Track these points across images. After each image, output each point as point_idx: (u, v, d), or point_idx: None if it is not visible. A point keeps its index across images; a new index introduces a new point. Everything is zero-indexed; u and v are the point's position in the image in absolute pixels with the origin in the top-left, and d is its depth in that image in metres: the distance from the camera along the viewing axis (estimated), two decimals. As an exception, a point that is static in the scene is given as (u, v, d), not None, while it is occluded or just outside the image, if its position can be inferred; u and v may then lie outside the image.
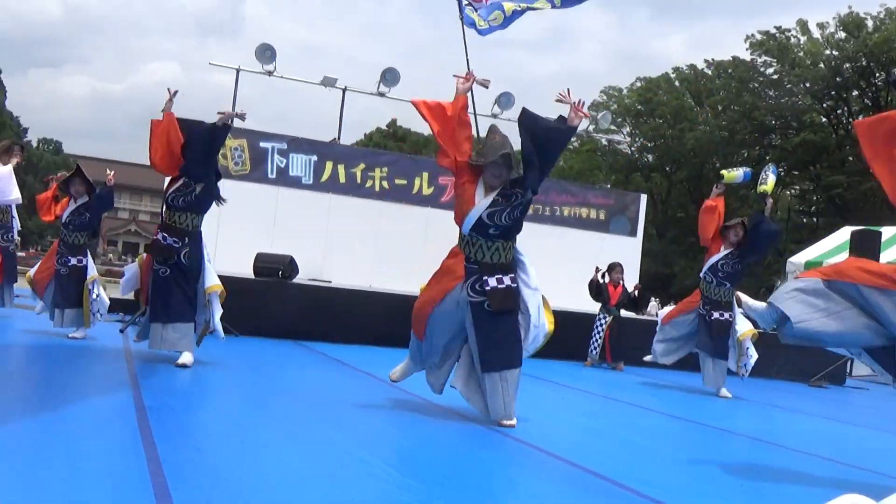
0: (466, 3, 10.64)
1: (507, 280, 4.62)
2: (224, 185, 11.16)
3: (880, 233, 12.18)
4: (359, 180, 12.41)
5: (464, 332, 4.74)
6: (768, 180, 8.23)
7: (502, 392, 4.58)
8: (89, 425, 3.73)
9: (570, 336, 10.01)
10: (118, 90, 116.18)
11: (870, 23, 33.61)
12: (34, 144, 55.27)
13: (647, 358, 8.66)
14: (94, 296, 6.97)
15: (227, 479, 3.01)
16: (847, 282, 3.79)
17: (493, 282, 4.58)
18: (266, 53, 12.52)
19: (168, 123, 5.73)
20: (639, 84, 42.73)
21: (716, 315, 7.95)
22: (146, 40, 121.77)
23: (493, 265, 4.62)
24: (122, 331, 7.72)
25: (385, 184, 12.54)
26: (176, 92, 5.83)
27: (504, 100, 13.88)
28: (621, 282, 10.13)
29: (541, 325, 4.67)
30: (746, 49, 37.20)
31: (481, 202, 4.60)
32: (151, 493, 2.63)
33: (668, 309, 9.98)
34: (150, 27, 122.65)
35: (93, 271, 7.09)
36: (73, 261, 7.02)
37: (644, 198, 15.05)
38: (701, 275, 8.22)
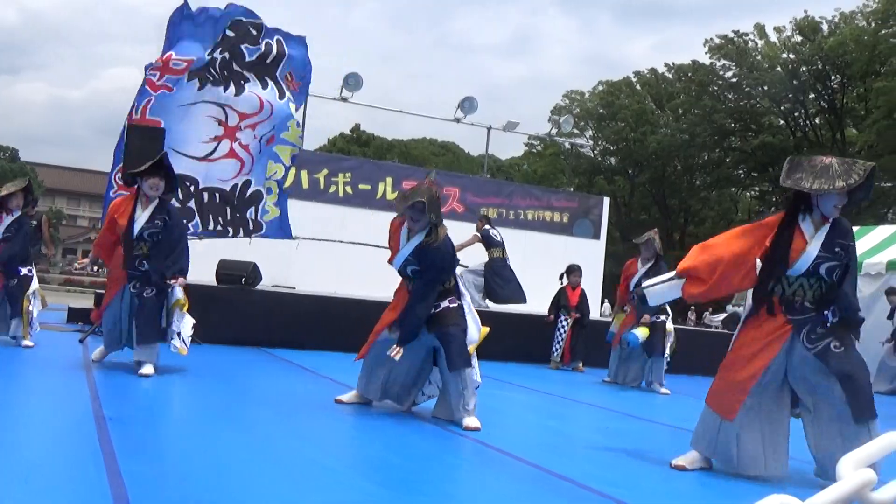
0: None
1: (444, 303, 4.97)
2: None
3: None
4: (322, 186, 12.37)
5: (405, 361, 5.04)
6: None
7: (464, 389, 4.84)
8: (47, 437, 3.68)
9: (532, 339, 10.11)
10: (77, 96, 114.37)
11: (825, 27, 34.29)
12: (-11, 151, 54.23)
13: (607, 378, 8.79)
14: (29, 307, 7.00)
15: (189, 491, 2.99)
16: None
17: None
18: (227, 58, 12.41)
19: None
20: (601, 88, 43.10)
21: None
22: (105, 46, 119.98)
23: None
24: (81, 341, 7.61)
25: (348, 189, 12.53)
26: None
27: (467, 104, 13.97)
28: (579, 284, 10.22)
29: (470, 337, 5.00)
30: (706, 53, 37.71)
31: (404, 248, 5.02)
32: (111, 505, 2.60)
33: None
34: (109, 33, 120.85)
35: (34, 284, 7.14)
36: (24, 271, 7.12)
37: (607, 201, 15.22)
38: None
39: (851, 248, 4.00)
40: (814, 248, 3.96)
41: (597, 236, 14.35)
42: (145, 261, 5.93)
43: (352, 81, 13.12)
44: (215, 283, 9.20)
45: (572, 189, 34.42)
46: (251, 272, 9.33)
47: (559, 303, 10.08)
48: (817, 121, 36.20)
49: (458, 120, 14.16)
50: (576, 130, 38.78)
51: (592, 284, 11.37)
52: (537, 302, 10.57)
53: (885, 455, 0.92)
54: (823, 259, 3.94)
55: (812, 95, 35.39)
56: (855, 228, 4.16)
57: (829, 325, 3.95)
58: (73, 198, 70.24)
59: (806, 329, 3.96)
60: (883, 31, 31.05)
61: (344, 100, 13.39)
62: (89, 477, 2.94)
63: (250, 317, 9.00)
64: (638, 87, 42.83)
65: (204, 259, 9.68)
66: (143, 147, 7.52)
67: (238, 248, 10.27)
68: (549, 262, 11.03)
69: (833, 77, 34.20)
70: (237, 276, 9.24)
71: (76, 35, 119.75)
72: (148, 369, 5.75)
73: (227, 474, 3.28)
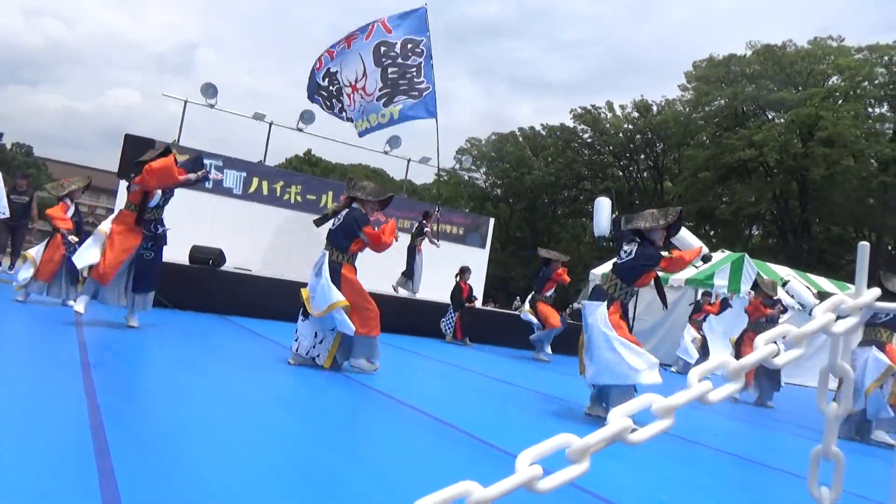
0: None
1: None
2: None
3: None
4: (279, 194, 12.08)
5: None
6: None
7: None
8: (41, 376, 3.44)
9: (433, 320, 10.13)
10: (86, 108, 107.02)
11: (654, 108, 35.86)
12: (8, 147, 50.29)
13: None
14: None
15: (156, 420, 2.85)
16: None
17: None
18: (209, 90, 11.98)
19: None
20: (493, 137, 43.63)
21: None
22: (113, 71, 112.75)
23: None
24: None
25: (299, 198, 12.26)
26: None
27: (393, 141, 13.90)
28: (468, 280, 10.31)
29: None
30: (571, 118, 38.80)
31: None
32: (89, 432, 2.45)
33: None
34: (116, 61, 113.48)
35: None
36: None
37: (492, 220, 15.38)
38: None
39: None
40: None
41: (483, 246, 14.48)
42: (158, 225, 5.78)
43: (306, 116, 12.85)
44: (188, 264, 8.83)
45: (468, 210, 34.75)
46: (217, 256, 9.01)
47: (455, 294, 10.15)
48: (645, 175, 37.80)
49: (386, 152, 14.03)
50: (473, 167, 39.21)
51: (479, 281, 11.49)
52: (438, 291, 10.60)
53: (642, 409, 1.00)
54: None
55: (643, 156, 36.98)
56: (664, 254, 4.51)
57: None
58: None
59: None
60: (693, 115, 32.73)
61: (300, 130, 13.08)
62: (72, 409, 2.77)
63: (215, 291, 8.69)
64: (520, 139, 43.49)
65: (180, 244, 9.30)
66: (135, 155, 7.17)
67: (210, 239, 9.91)
68: (449, 263, 11.08)
69: (658, 144, 35.83)
70: (206, 258, 8.91)
71: (88, 60, 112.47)
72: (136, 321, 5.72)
73: (189, 410, 3.15)
